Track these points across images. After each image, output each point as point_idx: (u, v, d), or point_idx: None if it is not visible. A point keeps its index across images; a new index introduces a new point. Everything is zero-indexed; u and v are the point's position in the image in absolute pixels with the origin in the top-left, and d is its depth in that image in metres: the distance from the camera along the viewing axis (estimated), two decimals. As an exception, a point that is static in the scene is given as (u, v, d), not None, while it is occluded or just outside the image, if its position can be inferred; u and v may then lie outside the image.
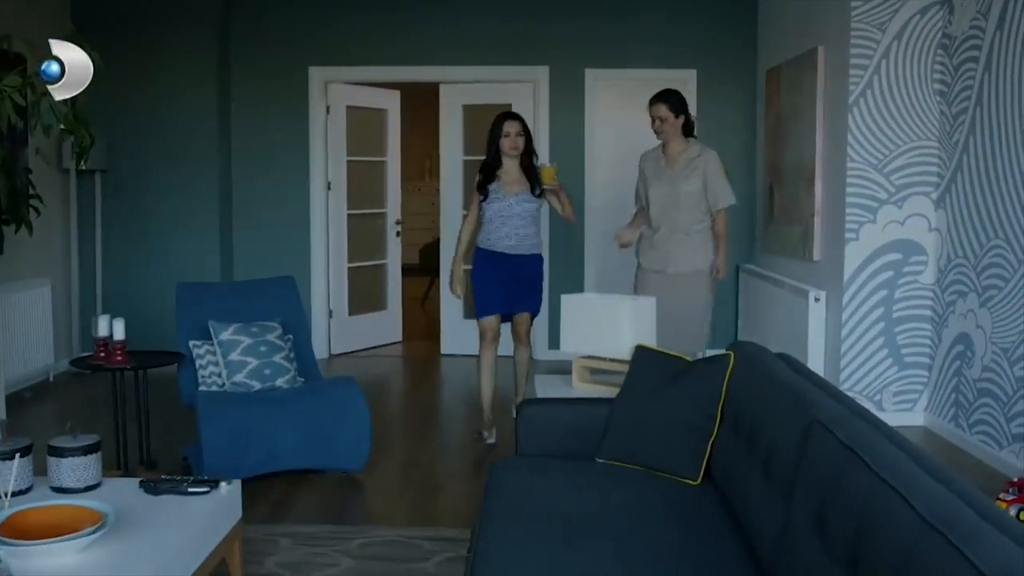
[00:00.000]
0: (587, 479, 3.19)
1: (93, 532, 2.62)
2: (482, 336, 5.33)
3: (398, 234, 8.43)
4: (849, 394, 4.25)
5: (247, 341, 4.65)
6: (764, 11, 7.43)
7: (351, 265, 7.95)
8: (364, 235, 8.13)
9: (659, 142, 5.40)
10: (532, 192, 5.28)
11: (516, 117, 5.31)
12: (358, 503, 4.36)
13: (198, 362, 4.68)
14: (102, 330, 4.55)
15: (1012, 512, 4.20)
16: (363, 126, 8.01)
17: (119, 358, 4.47)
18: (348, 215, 7.90)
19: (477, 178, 5.36)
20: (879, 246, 5.70)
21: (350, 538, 3.85)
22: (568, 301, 4.19)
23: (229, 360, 4.60)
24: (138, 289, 7.37)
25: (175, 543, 2.74)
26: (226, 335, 4.63)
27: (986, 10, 5.07)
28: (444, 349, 7.95)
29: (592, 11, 7.59)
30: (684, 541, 2.65)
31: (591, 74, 7.66)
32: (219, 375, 4.64)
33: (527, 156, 5.30)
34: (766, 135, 7.22)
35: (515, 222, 5.25)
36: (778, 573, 2.30)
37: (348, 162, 7.88)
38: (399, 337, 8.53)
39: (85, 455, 3.11)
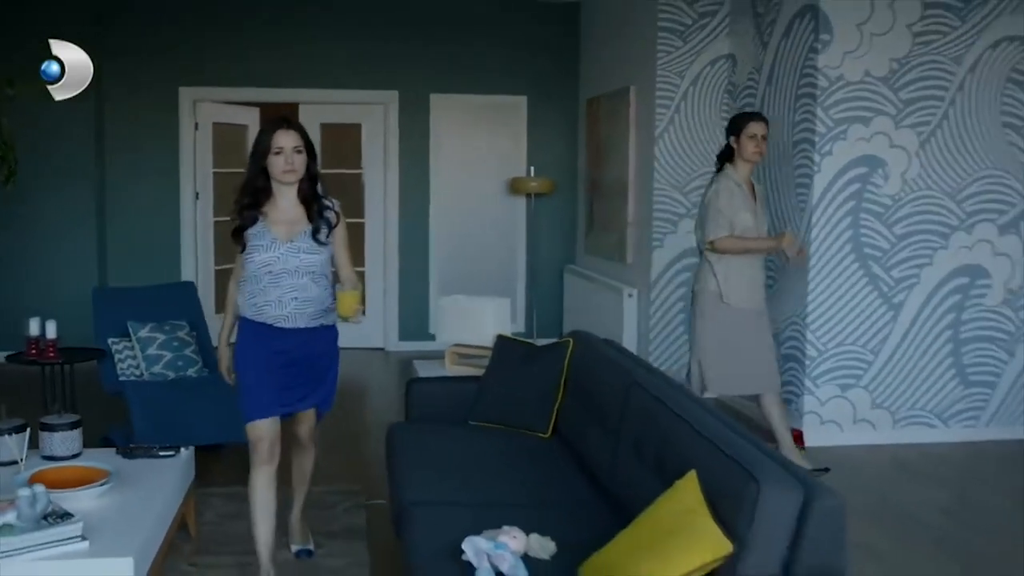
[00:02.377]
0: (466, 436, 4.25)
1: (106, 483, 3.49)
2: (253, 449, 3.67)
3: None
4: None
5: (161, 338, 5.46)
6: (585, 47, 8.64)
7: (218, 268, 8.70)
8: (229, 240, 8.86)
9: (736, 168, 5.09)
10: (315, 236, 3.63)
11: (291, 125, 3.61)
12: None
13: (116, 356, 5.45)
14: (33, 330, 5.27)
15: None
16: (227, 140, 8.76)
17: (51, 354, 5.22)
18: (214, 222, 8.65)
19: (233, 218, 3.72)
20: (679, 252, 6.99)
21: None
22: (442, 302, 5.24)
23: (147, 354, 5.40)
24: (20, 291, 7.90)
25: (162, 491, 3.62)
26: (144, 333, 5.43)
27: (759, 66, 6.40)
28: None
29: (437, 39, 8.59)
30: (546, 474, 3.75)
31: (435, 99, 8.68)
32: (136, 367, 5.43)
33: (309, 183, 3.64)
34: (588, 156, 8.44)
35: (291, 281, 3.60)
36: (612, 487, 3.42)
37: (214, 173, 8.62)
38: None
39: (71, 429, 3.94)
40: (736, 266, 5.05)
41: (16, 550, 2.94)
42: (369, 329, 8.50)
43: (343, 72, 8.52)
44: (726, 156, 5.13)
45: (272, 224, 3.62)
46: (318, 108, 8.65)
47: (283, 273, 3.60)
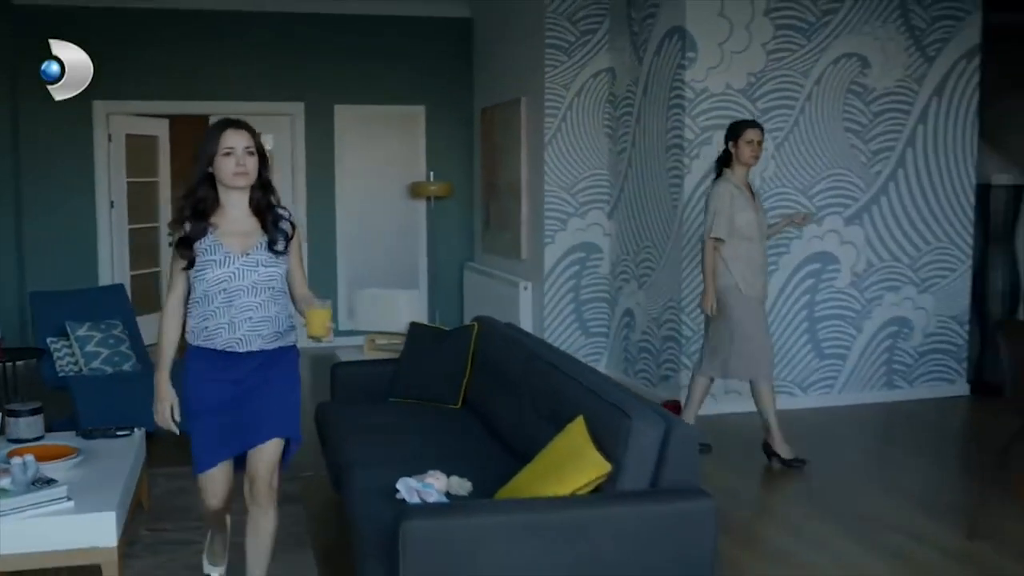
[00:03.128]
0: (387, 411, 4.86)
1: (79, 456, 4.01)
2: (204, 503, 3.47)
3: (170, 244, 9.63)
4: None
5: (98, 336, 5.93)
6: (478, 61, 9.30)
7: (133, 273, 9.09)
8: (142, 246, 9.29)
9: (733, 171, 5.51)
10: (272, 247, 3.29)
11: (241, 125, 3.28)
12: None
13: (56, 354, 5.90)
14: (-24, 331, 5.69)
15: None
16: (139, 151, 9.16)
17: (-3, 354, 5.65)
18: (129, 229, 9.04)
19: (174, 231, 3.36)
20: (569, 247, 7.71)
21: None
22: (359, 295, 5.84)
23: (86, 351, 5.86)
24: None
25: (124, 462, 4.15)
26: (82, 332, 5.89)
27: (636, 79, 7.16)
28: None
29: (340, 53, 9.10)
30: (460, 437, 4.39)
31: (339, 109, 9.24)
32: (75, 363, 5.88)
33: (262, 190, 3.32)
34: (483, 161, 9.11)
35: (247, 300, 3.27)
36: (516, 443, 4.08)
37: (128, 183, 9.01)
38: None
39: (34, 415, 4.42)
40: (745, 256, 5.43)
41: (13, 510, 3.46)
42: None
43: (252, 85, 9.00)
44: (724, 161, 5.53)
45: (223, 236, 3.26)
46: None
47: (238, 291, 3.25)
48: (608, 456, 3.07)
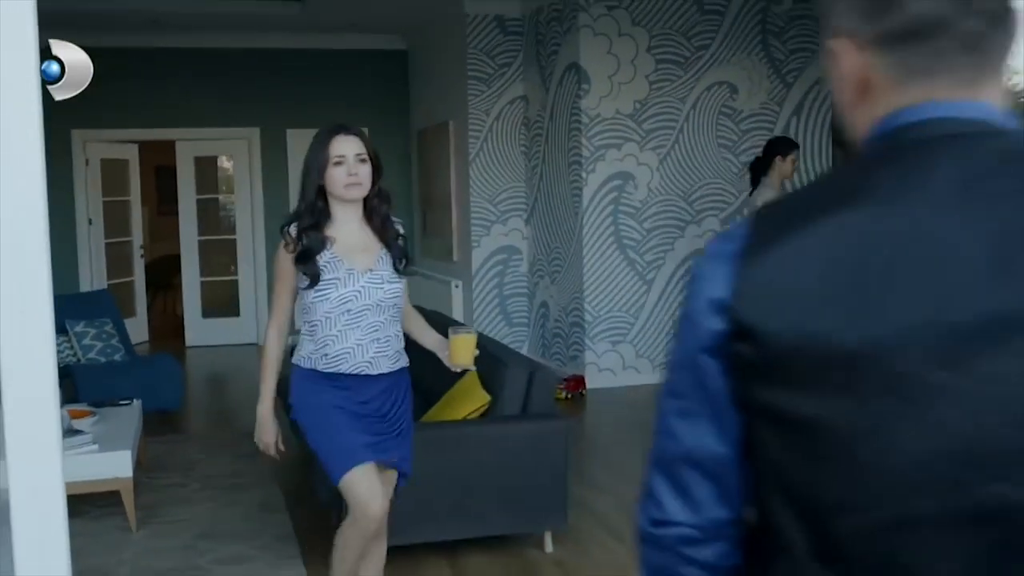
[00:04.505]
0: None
1: (96, 416, 5.19)
2: (358, 516, 3.08)
3: (142, 256, 10.77)
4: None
5: (93, 331, 7.08)
6: (413, 87, 10.53)
7: (110, 282, 10.20)
8: (117, 258, 10.41)
9: (771, 181, 6.10)
10: (396, 265, 3.14)
11: (352, 130, 3.08)
12: (183, 424, 6.97)
13: (57, 348, 7.03)
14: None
15: (564, 395, 7.52)
16: (112, 173, 10.28)
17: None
18: (105, 244, 10.16)
19: (288, 243, 3.07)
20: (493, 250, 8.96)
21: (189, 442, 6.48)
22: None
23: (83, 344, 7.01)
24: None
25: (130, 422, 5.32)
26: (79, 328, 7.04)
27: (544, 106, 8.44)
28: (189, 342, 10.41)
29: (291, 82, 10.27)
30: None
31: (291, 133, 10.42)
32: (74, 355, 7.02)
33: (379, 200, 3.15)
34: (420, 176, 10.35)
35: (373, 319, 3.07)
36: (431, 396, 5.30)
37: (103, 202, 10.14)
38: (146, 337, 10.85)
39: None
40: None
41: (53, 450, 4.63)
42: (246, 327, 10.17)
43: (212, 112, 10.16)
44: (760, 170, 6.23)
45: (342, 252, 3.03)
46: (191, 144, 10.28)
47: (364, 311, 3.02)
48: (490, 391, 4.32)
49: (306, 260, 3.03)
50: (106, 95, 9.81)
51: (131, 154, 10.59)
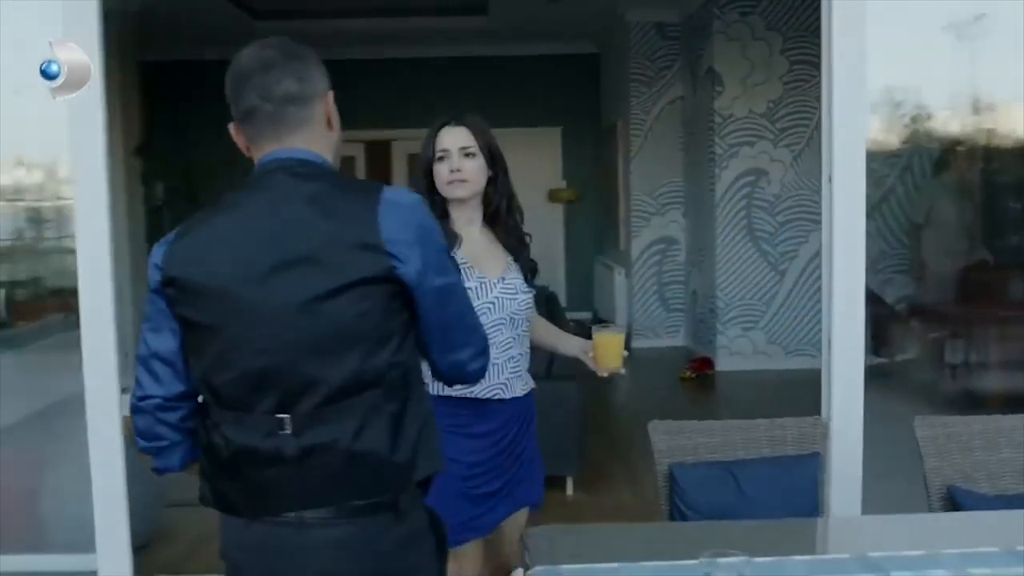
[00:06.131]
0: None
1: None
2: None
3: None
4: (636, 328, 8.32)
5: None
6: (603, 88, 11.37)
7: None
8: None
9: None
10: (526, 277, 2.78)
11: (462, 121, 2.85)
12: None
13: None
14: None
15: (689, 375, 8.15)
16: (341, 170, 11.84)
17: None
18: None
19: None
20: (652, 240, 9.66)
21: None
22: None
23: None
24: None
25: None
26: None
27: (693, 106, 9.03)
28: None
29: (493, 86, 11.40)
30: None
31: (493, 133, 11.52)
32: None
33: (503, 201, 2.80)
34: (600, 173, 11.19)
35: (508, 334, 2.69)
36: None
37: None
38: None
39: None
40: None
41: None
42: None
43: (423, 114, 11.37)
44: None
45: (471, 258, 2.66)
46: (406, 143, 11.68)
47: (499, 325, 2.64)
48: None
49: None
50: (336, 101, 11.41)
51: (358, 152, 12.15)
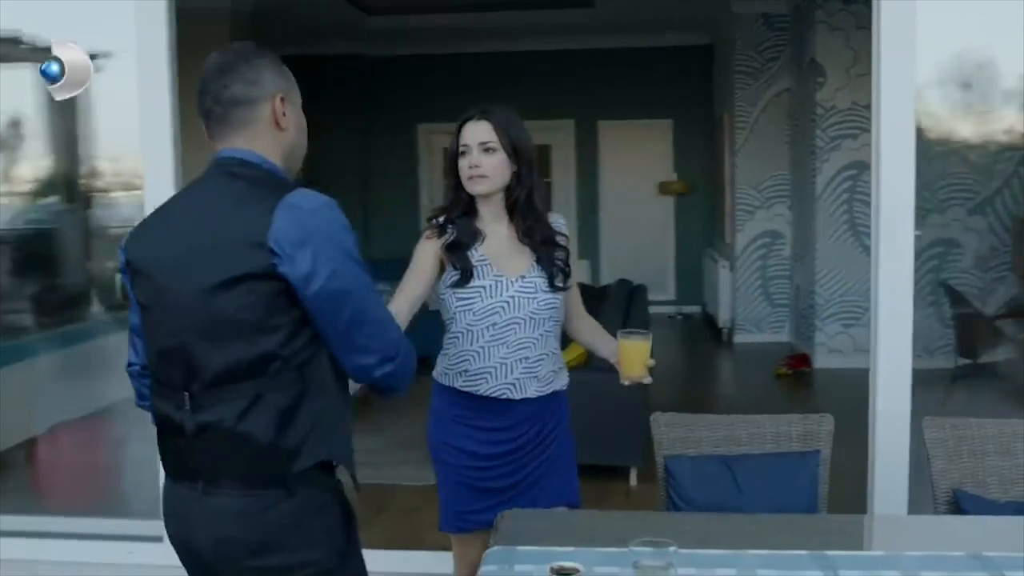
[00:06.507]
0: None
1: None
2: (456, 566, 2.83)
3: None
4: (739, 322, 8.35)
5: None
6: (715, 80, 11.25)
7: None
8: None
9: None
10: (552, 281, 2.69)
11: (485, 115, 2.76)
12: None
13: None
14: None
15: (784, 371, 8.02)
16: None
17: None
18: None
19: (430, 231, 2.73)
20: (756, 233, 9.52)
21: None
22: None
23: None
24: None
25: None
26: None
27: (798, 98, 8.86)
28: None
29: (602, 78, 11.39)
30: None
31: (602, 125, 11.58)
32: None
33: (525, 197, 2.70)
34: (708, 166, 11.09)
35: (523, 335, 2.66)
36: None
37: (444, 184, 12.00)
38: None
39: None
40: None
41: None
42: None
43: (532, 106, 11.50)
44: None
45: (491, 255, 2.66)
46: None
47: (512, 325, 2.63)
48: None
49: (457, 250, 2.64)
50: (444, 93, 11.62)
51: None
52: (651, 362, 2.61)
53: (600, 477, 5.30)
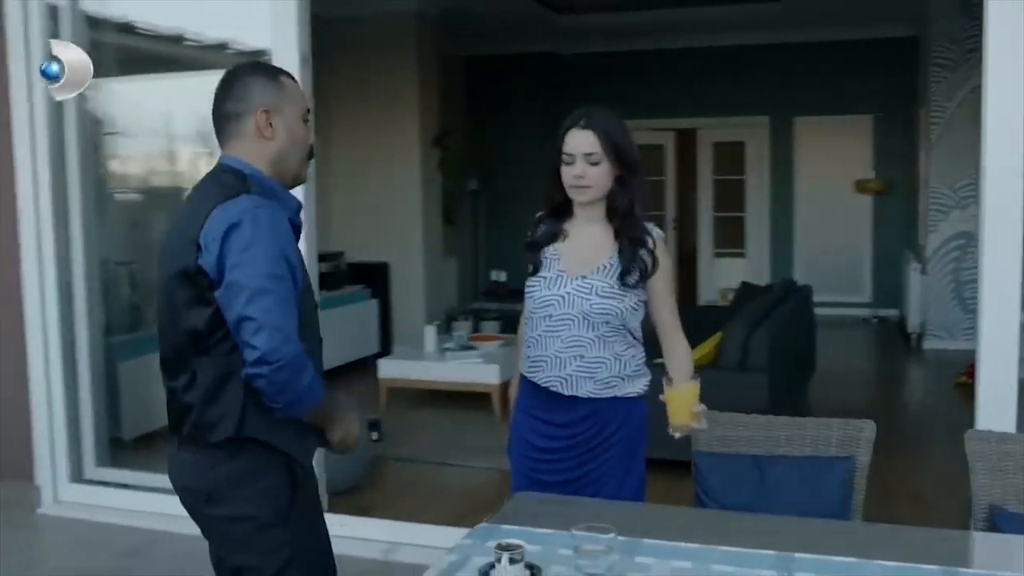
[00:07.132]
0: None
1: (502, 341, 7.07)
2: None
3: (674, 228, 12.52)
4: (929, 327, 8.19)
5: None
6: (921, 73, 10.76)
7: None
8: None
9: None
10: (624, 277, 2.71)
11: (592, 123, 2.77)
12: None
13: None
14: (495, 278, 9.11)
15: (963, 380, 7.63)
16: (647, 159, 12.16)
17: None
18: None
19: (530, 230, 2.89)
20: (950, 235, 9.08)
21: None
22: (813, 276, 8.16)
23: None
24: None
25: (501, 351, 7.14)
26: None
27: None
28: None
29: (799, 73, 11.10)
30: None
31: (798, 121, 11.32)
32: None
33: (624, 206, 2.75)
34: (904, 163, 10.63)
35: (577, 332, 2.71)
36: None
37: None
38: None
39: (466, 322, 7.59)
40: None
41: (455, 358, 6.63)
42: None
43: (726, 103, 11.46)
44: None
45: (566, 251, 2.77)
46: (710, 131, 11.76)
47: (566, 321, 2.70)
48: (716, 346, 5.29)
49: (530, 248, 2.82)
50: (645, 90, 11.73)
51: (668, 140, 12.37)
52: (700, 407, 2.58)
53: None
